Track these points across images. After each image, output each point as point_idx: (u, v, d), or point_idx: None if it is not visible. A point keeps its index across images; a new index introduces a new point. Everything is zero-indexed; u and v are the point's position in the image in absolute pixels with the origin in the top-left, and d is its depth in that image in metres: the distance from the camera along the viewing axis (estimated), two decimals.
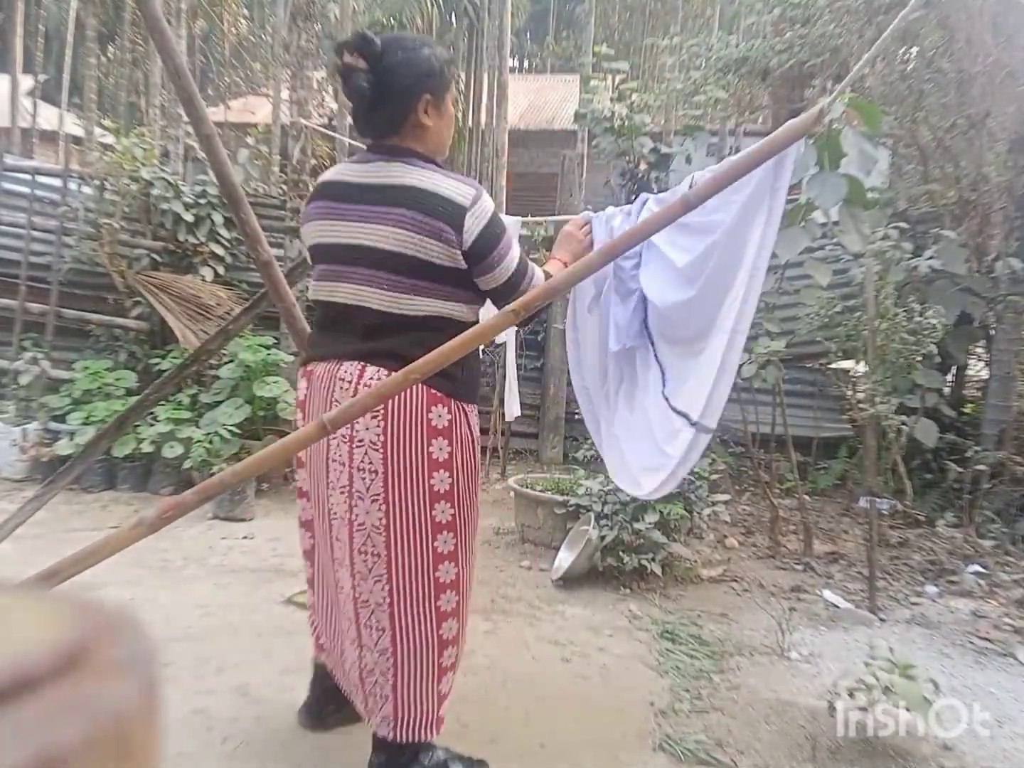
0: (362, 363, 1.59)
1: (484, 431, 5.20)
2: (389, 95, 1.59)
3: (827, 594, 3.06)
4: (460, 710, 2.04)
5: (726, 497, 3.51)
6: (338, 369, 1.61)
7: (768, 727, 2.06)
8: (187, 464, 3.93)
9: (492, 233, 1.59)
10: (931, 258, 3.69)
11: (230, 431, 4.05)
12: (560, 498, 3.36)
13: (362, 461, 1.57)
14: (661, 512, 3.02)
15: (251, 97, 13.38)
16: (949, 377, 4.64)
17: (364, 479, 1.57)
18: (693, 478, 3.16)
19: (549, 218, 3.31)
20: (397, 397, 1.54)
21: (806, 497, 4.04)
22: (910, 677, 1.85)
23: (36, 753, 0.19)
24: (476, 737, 1.92)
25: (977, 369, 4.85)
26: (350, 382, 1.59)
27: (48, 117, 13.43)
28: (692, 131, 3.81)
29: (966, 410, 4.63)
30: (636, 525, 2.99)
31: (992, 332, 4.27)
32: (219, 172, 2.06)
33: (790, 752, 1.93)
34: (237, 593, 2.79)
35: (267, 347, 4.39)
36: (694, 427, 1.63)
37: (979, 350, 4.60)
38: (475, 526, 1.73)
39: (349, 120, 9.59)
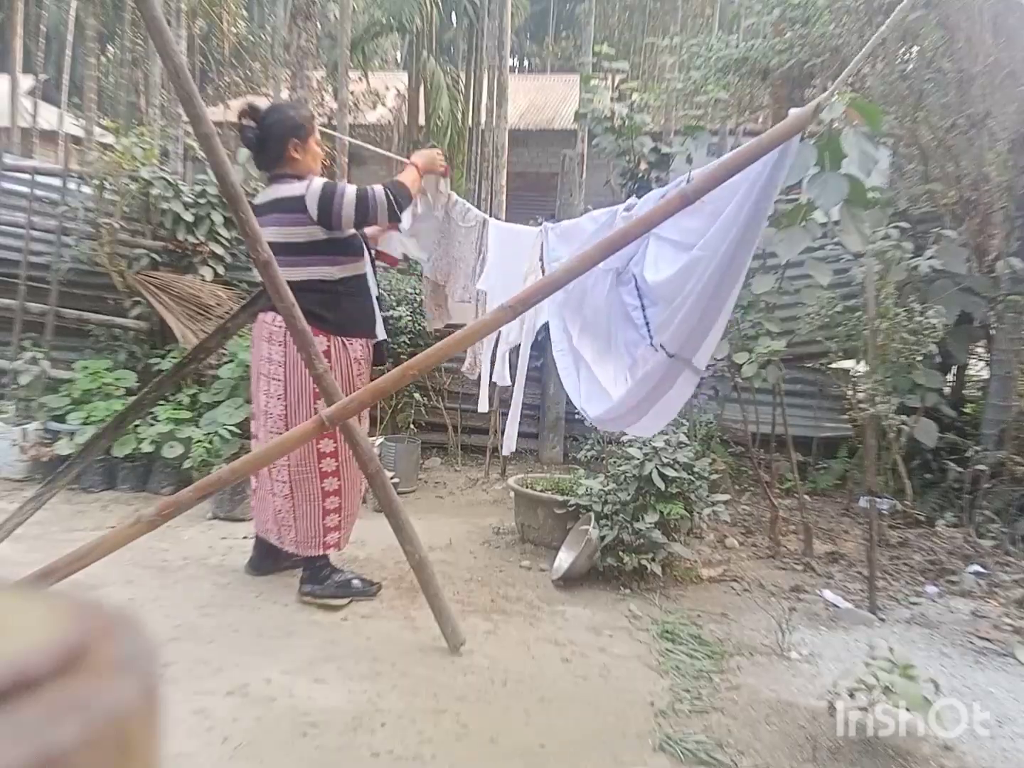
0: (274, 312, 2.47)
1: (483, 431, 5.17)
2: (269, 141, 2.60)
3: (827, 594, 3.06)
4: (460, 710, 2.04)
5: (726, 497, 3.50)
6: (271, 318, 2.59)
7: (768, 727, 2.05)
8: (187, 464, 3.93)
9: (325, 195, 2.49)
10: (932, 258, 3.68)
11: (230, 431, 4.05)
12: (560, 498, 3.36)
13: (269, 373, 2.60)
14: (661, 512, 3.02)
15: (251, 97, 13.39)
16: (949, 377, 4.64)
17: (270, 385, 2.61)
18: (693, 477, 3.15)
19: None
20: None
21: (806, 497, 4.03)
22: (910, 677, 1.85)
23: (36, 753, 0.19)
24: (476, 737, 1.92)
25: (977, 369, 4.84)
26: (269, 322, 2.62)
27: (48, 117, 13.44)
28: (692, 131, 3.80)
29: (966, 410, 4.63)
30: (636, 525, 2.99)
31: (992, 332, 4.27)
32: (219, 172, 2.06)
33: (790, 752, 1.93)
34: (237, 593, 2.78)
35: None
36: (671, 357, 2.04)
37: (979, 350, 4.59)
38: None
39: (349, 120, 9.58)
